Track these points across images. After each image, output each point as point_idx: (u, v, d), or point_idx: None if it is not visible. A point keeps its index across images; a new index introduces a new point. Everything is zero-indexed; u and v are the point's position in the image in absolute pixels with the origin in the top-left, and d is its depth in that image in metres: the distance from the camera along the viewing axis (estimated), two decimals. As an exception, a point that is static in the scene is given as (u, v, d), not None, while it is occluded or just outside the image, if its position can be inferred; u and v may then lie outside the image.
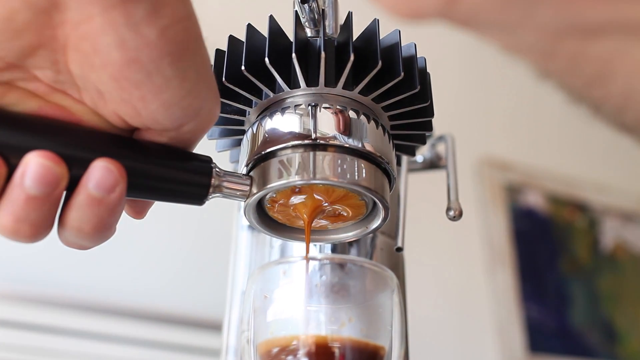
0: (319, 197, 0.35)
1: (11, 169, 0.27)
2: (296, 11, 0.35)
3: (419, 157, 0.54)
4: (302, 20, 0.36)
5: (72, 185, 0.28)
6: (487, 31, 0.20)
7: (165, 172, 0.31)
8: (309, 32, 0.36)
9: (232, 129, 0.38)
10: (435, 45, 1.18)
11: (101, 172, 0.28)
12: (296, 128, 0.34)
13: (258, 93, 0.35)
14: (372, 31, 0.35)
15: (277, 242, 0.47)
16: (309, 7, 0.35)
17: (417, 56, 0.36)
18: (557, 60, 0.20)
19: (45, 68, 0.28)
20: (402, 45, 0.35)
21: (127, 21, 0.26)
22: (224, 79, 0.34)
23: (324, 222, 0.37)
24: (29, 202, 0.27)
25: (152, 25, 0.26)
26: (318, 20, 0.36)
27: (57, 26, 0.26)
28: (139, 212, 0.34)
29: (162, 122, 0.30)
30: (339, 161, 0.33)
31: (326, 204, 0.36)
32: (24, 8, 0.25)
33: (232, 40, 0.36)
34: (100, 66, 0.27)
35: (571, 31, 0.18)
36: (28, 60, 0.27)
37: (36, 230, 0.28)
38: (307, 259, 0.39)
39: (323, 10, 0.36)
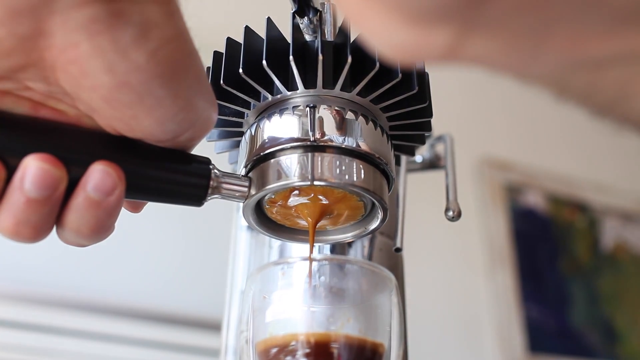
0: (323, 200, 0.35)
1: (10, 172, 0.28)
2: (294, 13, 0.35)
3: (418, 158, 0.54)
4: (301, 26, 0.36)
5: (71, 187, 0.29)
6: (495, 70, 0.19)
7: (163, 173, 0.31)
8: (307, 38, 0.36)
9: (231, 131, 0.38)
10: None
11: (100, 175, 0.28)
12: (294, 129, 0.34)
13: (256, 95, 0.35)
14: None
15: (276, 242, 0.47)
16: (308, 19, 0.35)
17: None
18: (571, 89, 0.20)
19: (36, 81, 0.28)
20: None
21: (115, 46, 0.26)
22: (221, 81, 0.34)
23: (323, 222, 0.37)
24: (29, 204, 0.27)
25: (141, 49, 0.26)
26: (316, 26, 0.36)
27: (44, 50, 0.26)
28: (136, 207, 0.34)
29: (157, 136, 0.30)
30: (337, 162, 0.33)
31: (328, 205, 0.36)
32: (8, 35, 0.25)
33: (230, 42, 0.36)
34: (89, 88, 0.27)
35: (580, 67, 0.18)
36: (19, 74, 0.27)
37: (37, 231, 0.28)
38: (311, 259, 0.39)
39: (320, 12, 0.36)
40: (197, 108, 0.30)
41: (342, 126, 0.34)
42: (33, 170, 0.27)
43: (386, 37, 0.18)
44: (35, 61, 0.27)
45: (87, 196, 0.28)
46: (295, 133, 0.34)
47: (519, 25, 0.17)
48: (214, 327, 0.81)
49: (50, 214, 0.28)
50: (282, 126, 0.34)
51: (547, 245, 1.74)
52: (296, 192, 0.35)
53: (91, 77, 0.27)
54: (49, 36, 0.26)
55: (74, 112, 0.30)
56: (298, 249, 0.45)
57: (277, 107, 0.35)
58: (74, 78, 0.27)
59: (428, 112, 0.36)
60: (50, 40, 0.26)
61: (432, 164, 0.54)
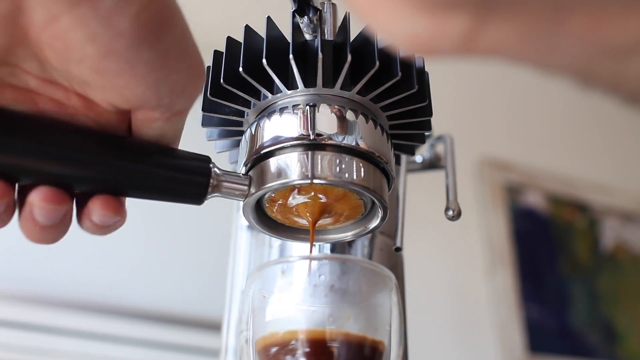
0: (323, 198, 0.35)
1: (18, 185, 0.29)
2: (294, 12, 0.36)
3: (418, 158, 0.54)
4: (300, 25, 0.36)
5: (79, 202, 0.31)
6: (513, 59, 0.19)
7: (164, 172, 0.31)
8: (307, 37, 0.36)
9: (231, 130, 0.38)
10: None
11: (100, 212, 0.30)
12: (294, 128, 0.34)
13: (256, 94, 0.35)
14: (369, 31, 0.35)
15: (276, 242, 0.47)
16: (308, 18, 0.35)
17: (416, 56, 0.36)
18: (597, 78, 0.19)
19: (29, 61, 0.28)
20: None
21: (96, 15, 0.25)
22: (222, 80, 0.34)
23: (322, 221, 0.37)
24: (44, 228, 0.30)
25: (123, 15, 0.26)
26: (316, 26, 0.36)
27: (26, 27, 0.26)
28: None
29: (152, 102, 0.30)
30: (337, 161, 0.33)
31: (328, 204, 0.36)
32: None
33: (230, 41, 0.36)
34: (77, 60, 0.27)
35: (604, 55, 0.18)
36: (10, 57, 0.27)
37: (59, 237, 0.31)
38: (310, 258, 0.39)
39: (320, 11, 0.36)
40: (187, 68, 0.29)
41: (342, 125, 0.34)
42: (39, 209, 0.29)
43: (400, 28, 0.17)
44: (21, 40, 0.27)
45: (93, 223, 0.31)
46: (295, 132, 0.34)
47: (536, 9, 0.16)
48: (214, 327, 0.81)
49: (66, 226, 0.30)
50: (282, 125, 0.34)
51: (547, 245, 1.74)
52: (296, 190, 0.35)
53: (76, 50, 0.26)
54: (26, 12, 0.25)
55: (72, 102, 0.30)
56: (298, 248, 0.45)
57: (277, 106, 0.35)
58: (60, 53, 0.27)
59: (428, 111, 0.37)
60: (29, 17, 0.26)
61: (432, 164, 0.54)
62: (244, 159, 0.35)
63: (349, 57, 0.33)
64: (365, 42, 0.35)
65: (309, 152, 0.33)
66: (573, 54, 0.18)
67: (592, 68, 0.18)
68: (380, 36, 0.19)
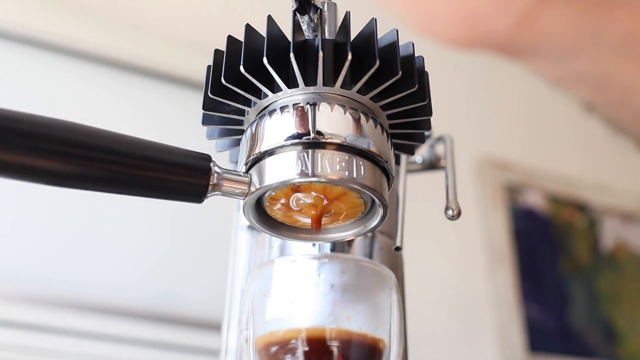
0: (322, 197, 0.35)
1: None
2: (294, 11, 0.36)
3: (418, 158, 0.54)
4: (301, 24, 0.36)
5: None
6: (541, 61, 0.19)
7: (164, 169, 0.31)
8: (308, 36, 0.36)
9: (232, 129, 0.38)
10: (434, 45, 1.18)
11: None
12: (295, 126, 0.34)
13: (257, 93, 0.35)
14: (370, 30, 0.35)
15: (276, 242, 0.47)
16: (309, 17, 0.35)
17: (416, 55, 0.36)
18: (608, 92, 0.19)
19: None
20: (400, 44, 0.35)
21: None
22: (222, 79, 0.34)
23: (322, 221, 0.37)
24: None
25: None
26: (317, 25, 0.36)
27: None
28: None
29: None
30: (338, 159, 0.33)
31: (328, 202, 0.36)
32: None
33: (230, 40, 0.36)
34: None
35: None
36: None
37: None
38: (311, 257, 0.39)
39: (321, 10, 0.36)
40: None
41: (342, 123, 0.34)
42: None
43: (456, 10, 0.17)
44: None
45: None
46: (296, 130, 0.34)
47: None
48: (214, 327, 0.81)
49: None
50: (282, 123, 0.34)
51: (547, 245, 1.74)
52: (296, 189, 0.35)
53: None
54: None
55: None
56: (299, 248, 0.45)
57: (278, 104, 0.35)
58: None
59: (428, 110, 0.37)
60: None
61: (432, 164, 0.54)
62: (245, 158, 0.35)
63: (349, 56, 0.33)
64: (365, 40, 0.35)
65: (309, 151, 0.33)
66: (612, 45, 0.17)
67: (610, 79, 0.18)
68: (422, 29, 0.19)
